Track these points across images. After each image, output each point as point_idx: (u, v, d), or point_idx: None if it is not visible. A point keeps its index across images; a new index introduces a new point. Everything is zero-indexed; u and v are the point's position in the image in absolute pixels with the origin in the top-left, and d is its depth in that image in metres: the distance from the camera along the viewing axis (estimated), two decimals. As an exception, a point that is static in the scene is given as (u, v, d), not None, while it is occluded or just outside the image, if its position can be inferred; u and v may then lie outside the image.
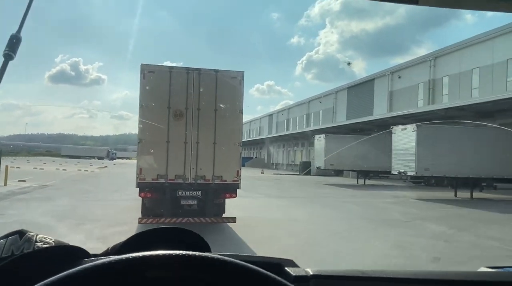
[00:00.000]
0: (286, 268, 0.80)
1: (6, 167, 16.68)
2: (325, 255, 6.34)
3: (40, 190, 15.54)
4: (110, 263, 0.49)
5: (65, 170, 29.78)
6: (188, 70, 8.20)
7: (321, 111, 46.31)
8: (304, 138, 40.65)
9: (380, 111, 33.59)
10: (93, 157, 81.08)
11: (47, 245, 0.72)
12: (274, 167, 50.38)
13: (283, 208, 12.39)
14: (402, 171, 17.34)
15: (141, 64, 8.04)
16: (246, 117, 59.56)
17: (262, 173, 35.01)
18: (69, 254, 0.71)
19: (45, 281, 0.46)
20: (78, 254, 0.73)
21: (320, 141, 25.78)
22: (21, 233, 0.72)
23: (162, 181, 7.92)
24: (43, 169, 29.32)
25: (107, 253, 0.77)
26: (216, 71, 8.28)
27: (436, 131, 17.09)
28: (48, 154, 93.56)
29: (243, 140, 8.95)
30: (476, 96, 24.72)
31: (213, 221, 7.92)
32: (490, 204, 15.41)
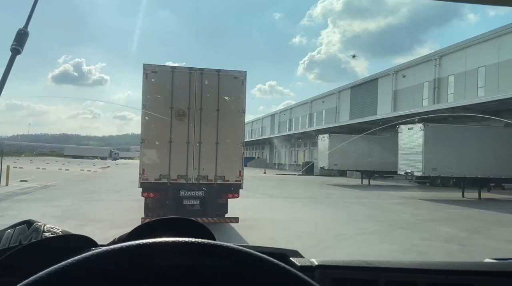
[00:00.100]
0: (291, 258, 0.83)
1: (7, 167, 16.59)
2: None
3: (42, 190, 15.43)
4: (121, 249, 0.48)
5: (68, 170, 29.74)
6: (190, 70, 8.20)
7: (324, 111, 46.10)
8: (307, 138, 40.42)
9: (384, 110, 33.32)
10: (96, 157, 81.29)
11: (55, 235, 0.74)
12: (277, 167, 50.21)
13: (288, 209, 12.19)
14: (409, 171, 17.08)
15: (144, 64, 8.06)
16: (248, 117, 59.49)
17: (265, 173, 34.84)
18: (77, 243, 0.71)
19: (57, 265, 0.46)
20: (86, 243, 0.73)
21: (324, 141, 25.52)
22: (28, 223, 0.74)
23: (164, 181, 7.93)
24: (45, 169, 29.35)
25: (113, 242, 0.76)
26: (219, 71, 8.29)
27: (444, 131, 16.83)
28: (51, 153, 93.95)
29: (245, 140, 8.94)
30: (482, 95, 24.43)
31: (216, 221, 7.89)
32: (499, 204, 15.15)
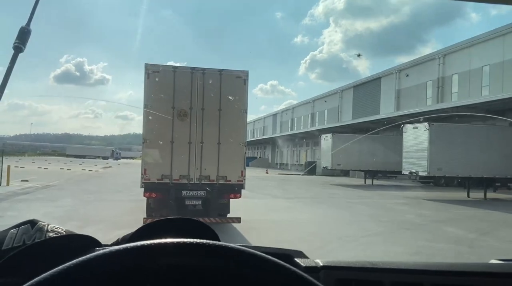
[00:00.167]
0: (296, 259, 0.82)
1: (8, 166, 16.52)
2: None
3: (43, 190, 15.35)
4: (126, 249, 0.48)
5: (70, 169, 29.73)
6: (192, 70, 8.16)
7: (326, 110, 45.93)
8: (309, 138, 40.27)
9: (387, 110, 33.13)
10: (98, 157, 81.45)
11: (58, 235, 0.73)
12: (279, 166, 50.09)
13: (291, 210, 12.06)
14: (414, 171, 16.90)
15: (146, 64, 8.03)
16: (250, 117, 59.36)
17: (267, 173, 34.73)
18: (81, 243, 0.71)
19: (61, 266, 0.45)
20: (90, 243, 0.72)
21: (327, 141, 25.35)
22: (32, 223, 0.74)
23: (166, 181, 7.90)
24: (47, 168, 29.36)
25: (117, 243, 0.76)
26: (221, 70, 8.26)
27: (449, 130, 16.65)
28: (53, 153, 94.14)
29: (247, 140, 8.91)
30: (486, 94, 24.21)
31: (218, 221, 7.85)
32: (505, 204, 14.99)
